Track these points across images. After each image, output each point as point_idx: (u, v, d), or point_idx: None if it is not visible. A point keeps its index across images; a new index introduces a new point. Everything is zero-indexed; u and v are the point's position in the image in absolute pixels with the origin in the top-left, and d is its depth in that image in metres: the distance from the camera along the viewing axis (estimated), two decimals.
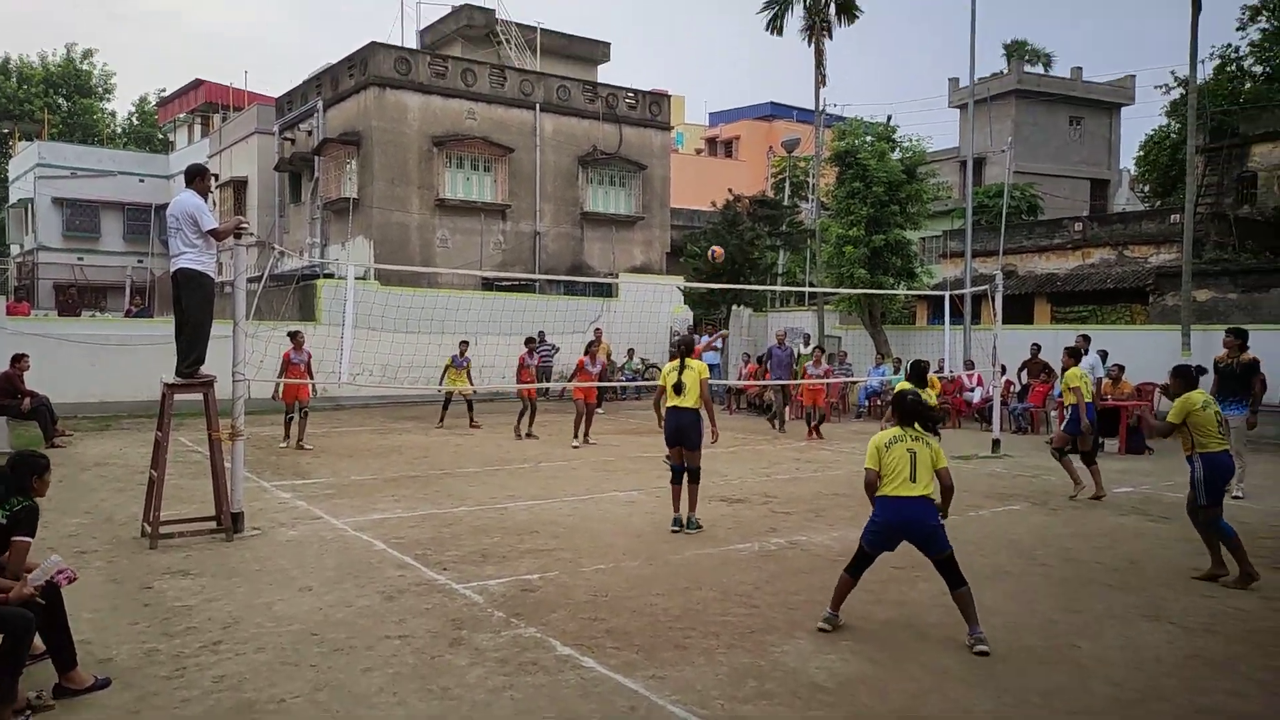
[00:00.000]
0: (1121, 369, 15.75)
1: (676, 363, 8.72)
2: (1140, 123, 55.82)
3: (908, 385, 9.24)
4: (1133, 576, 7.10)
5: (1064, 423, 10.95)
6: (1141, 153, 36.14)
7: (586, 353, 15.93)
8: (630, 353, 24.39)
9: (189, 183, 7.83)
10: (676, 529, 8.45)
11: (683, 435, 8.56)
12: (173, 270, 7.82)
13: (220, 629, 5.64)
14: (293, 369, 13.99)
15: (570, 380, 15.83)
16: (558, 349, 23.52)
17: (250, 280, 25.91)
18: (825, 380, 17.33)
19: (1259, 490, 10.73)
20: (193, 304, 7.78)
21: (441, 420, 17.35)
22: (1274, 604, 6.43)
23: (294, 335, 14.29)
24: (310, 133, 28.29)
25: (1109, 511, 9.81)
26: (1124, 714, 4.49)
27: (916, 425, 5.71)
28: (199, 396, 8.17)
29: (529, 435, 15.63)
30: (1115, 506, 10.06)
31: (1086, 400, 10.61)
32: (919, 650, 5.36)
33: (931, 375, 18.91)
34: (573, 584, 6.71)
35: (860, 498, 10.30)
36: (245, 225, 8.14)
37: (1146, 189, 37.26)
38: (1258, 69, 34.02)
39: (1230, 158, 27.91)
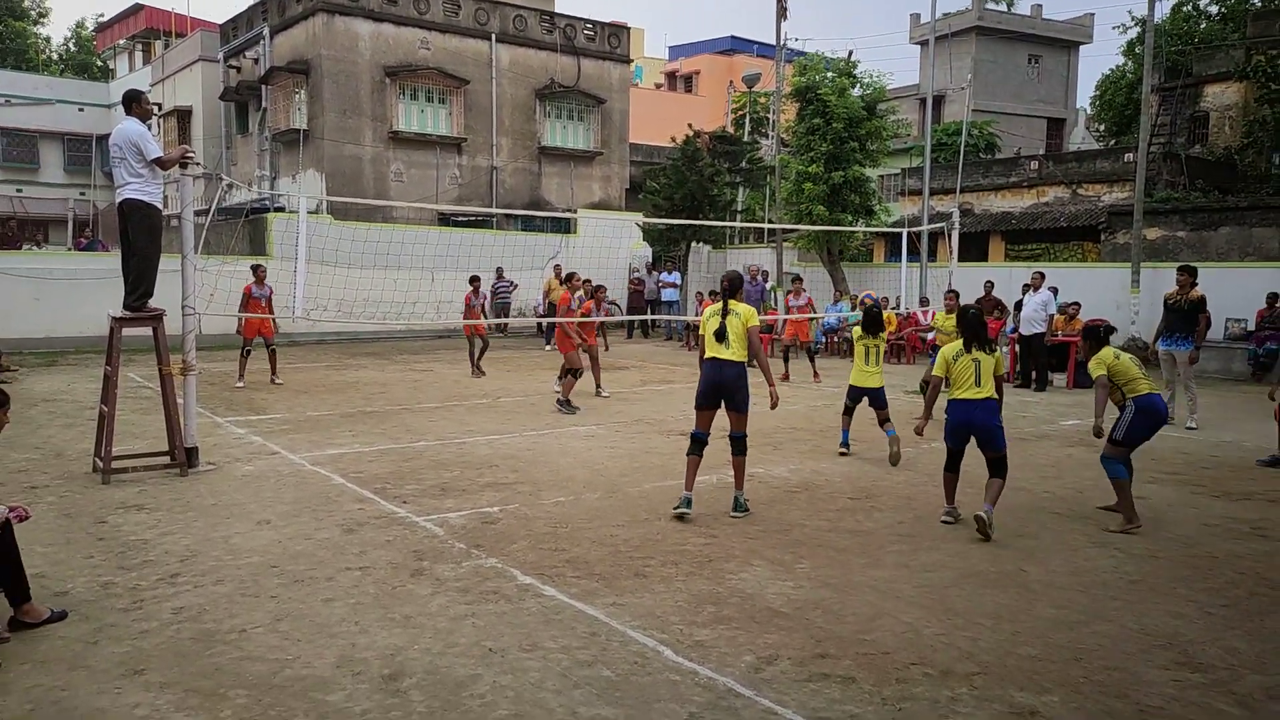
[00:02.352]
0: (1078, 306, 16.00)
1: (719, 305, 6.88)
2: (1098, 61, 55.99)
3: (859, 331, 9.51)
4: (1079, 505, 7.30)
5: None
6: (1098, 92, 36.28)
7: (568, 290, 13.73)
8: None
9: (127, 109, 7.54)
10: (685, 511, 6.71)
11: (725, 392, 6.74)
12: (118, 201, 7.57)
13: (178, 562, 5.60)
14: (254, 303, 13.64)
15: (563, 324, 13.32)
16: (516, 285, 23.34)
17: (198, 213, 25.23)
18: (807, 316, 16.89)
19: (1204, 422, 11.04)
20: (139, 236, 7.55)
21: (477, 367, 15.55)
22: (1214, 530, 6.67)
23: (256, 269, 13.95)
24: (257, 61, 27.40)
25: (1056, 443, 10.06)
26: (1068, 634, 4.65)
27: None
28: (149, 331, 7.99)
29: (479, 370, 15.46)
30: (1063, 438, 10.31)
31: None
32: (874, 576, 5.49)
33: (888, 313, 19.15)
34: (533, 516, 6.74)
35: (817, 429, 10.48)
36: (192, 154, 7.87)
37: (1102, 128, 37.52)
38: (1213, 9, 34.18)
39: (1184, 98, 28.17)
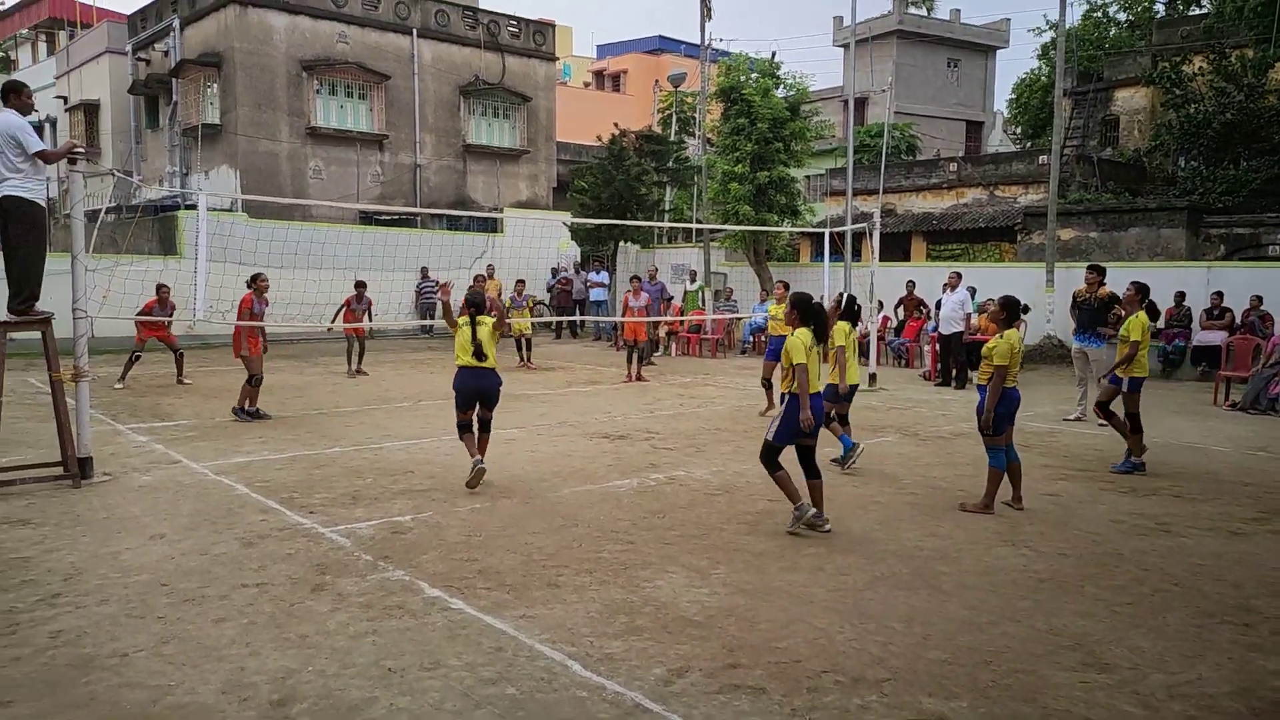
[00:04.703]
0: (993, 303, 16.30)
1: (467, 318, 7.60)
2: (1015, 64, 57.56)
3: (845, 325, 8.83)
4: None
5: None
6: (1014, 95, 37.24)
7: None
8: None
9: (4, 101, 7.12)
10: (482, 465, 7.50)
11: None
12: None
13: (60, 581, 5.27)
14: (151, 309, 13.18)
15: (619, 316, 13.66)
16: (441, 284, 22.93)
17: (108, 211, 24.15)
18: (646, 319, 16.28)
19: None
20: (19, 235, 7.12)
21: (358, 370, 15.63)
22: (1122, 526, 6.78)
23: (160, 289, 13.55)
24: (167, 53, 26.47)
25: (974, 441, 10.15)
26: (977, 636, 4.65)
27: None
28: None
29: (359, 372, 15.41)
30: (980, 437, 10.42)
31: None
32: (789, 581, 5.43)
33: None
34: (446, 524, 6.54)
35: (740, 430, 10.44)
36: (80, 149, 7.46)
37: (1018, 130, 38.52)
38: (1121, 16, 35.36)
39: (1095, 101, 29.05)
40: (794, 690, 4.02)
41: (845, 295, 9.46)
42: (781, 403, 6.56)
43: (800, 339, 6.34)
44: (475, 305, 7.71)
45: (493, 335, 7.66)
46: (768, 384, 11.61)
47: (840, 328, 8.68)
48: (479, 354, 7.51)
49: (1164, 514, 7.15)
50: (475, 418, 7.75)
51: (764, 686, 4.05)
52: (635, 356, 15.37)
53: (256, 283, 11.13)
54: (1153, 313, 9.07)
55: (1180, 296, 16.64)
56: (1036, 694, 4.03)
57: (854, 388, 8.82)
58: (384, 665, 4.21)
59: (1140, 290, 8.93)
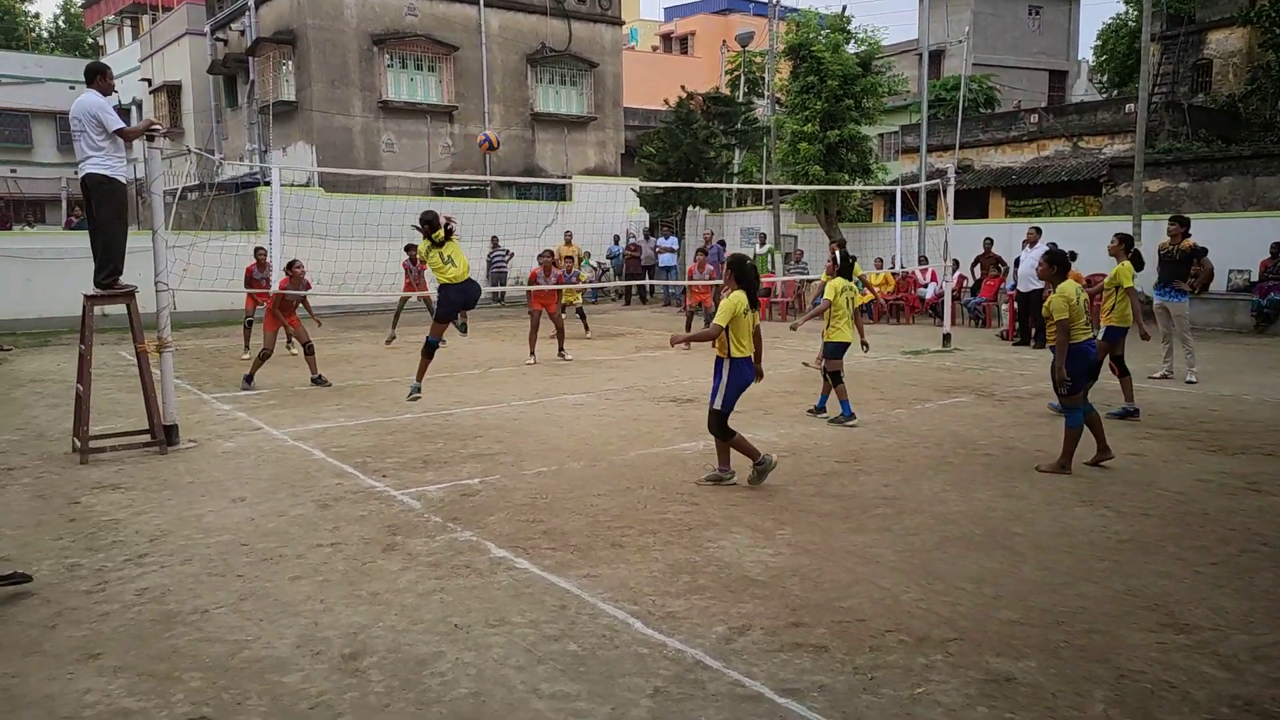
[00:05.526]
0: (1075, 255, 15.72)
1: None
2: (1101, 9, 54.92)
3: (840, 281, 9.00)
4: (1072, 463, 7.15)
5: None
6: (1100, 42, 35.61)
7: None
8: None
9: (89, 82, 7.36)
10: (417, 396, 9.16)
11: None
12: (80, 176, 7.40)
13: (147, 542, 5.51)
14: (256, 285, 13.31)
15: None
16: (512, 254, 23.14)
17: (189, 189, 24.99)
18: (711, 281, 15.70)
19: (1203, 375, 10.87)
20: (103, 211, 7.39)
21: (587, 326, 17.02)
22: (1209, 486, 6.52)
23: (258, 251, 13.90)
24: (243, 32, 27.05)
25: (1052, 400, 9.88)
26: (1051, 597, 4.53)
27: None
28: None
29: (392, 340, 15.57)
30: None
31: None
32: (855, 542, 5.37)
33: (885, 273, 18.87)
34: (513, 487, 6.63)
35: (810, 393, 10.32)
36: (157, 126, 7.68)
37: (1104, 79, 36.87)
38: None
39: (1186, 45, 27.61)
40: (856, 649, 3.98)
41: (840, 252, 9.36)
42: (717, 369, 6.54)
43: (733, 301, 6.31)
44: (429, 224, 8.63)
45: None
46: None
47: (833, 284, 8.85)
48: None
49: (1254, 473, 6.85)
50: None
51: (826, 645, 4.02)
52: (546, 319, 13.95)
53: (293, 269, 11.34)
54: (1138, 263, 9.14)
55: (1277, 248, 15.83)
56: (1110, 654, 3.91)
57: (842, 346, 8.85)
58: (451, 622, 4.30)
59: (1123, 241, 9.29)
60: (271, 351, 11.35)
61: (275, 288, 10.92)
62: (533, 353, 13.28)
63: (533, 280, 13.50)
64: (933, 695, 3.58)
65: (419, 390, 8.95)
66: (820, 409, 9.14)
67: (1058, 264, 6.97)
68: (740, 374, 6.50)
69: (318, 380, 11.19)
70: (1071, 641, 4.04)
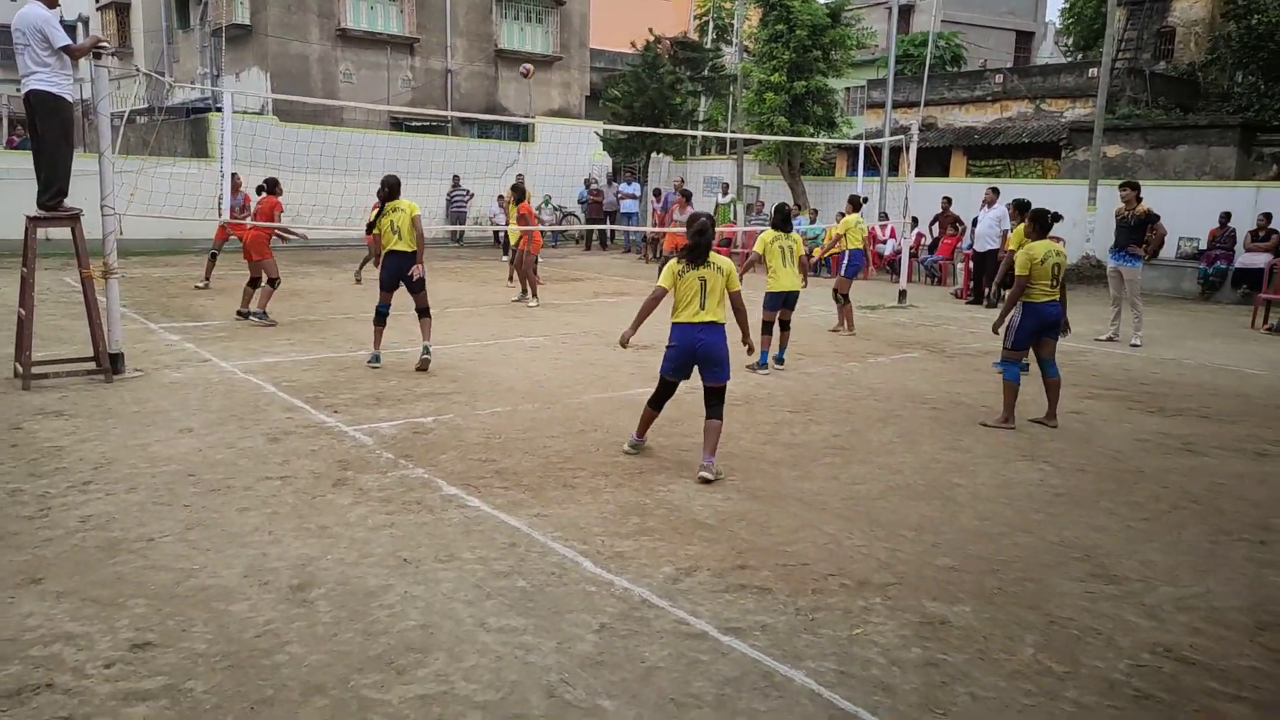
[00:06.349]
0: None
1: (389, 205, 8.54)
2: None
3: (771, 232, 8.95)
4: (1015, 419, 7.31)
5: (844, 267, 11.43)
6: (1067, 5, 35.64)
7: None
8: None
9: None
10: (376, 365, 8.67)
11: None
12: (23, 93, 7.11)
13: (91, 469, 5.43)
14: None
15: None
16: (472, 194, 22.81)
17: (137, 113, 24.09)
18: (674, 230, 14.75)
19: (1148, 340, 11.13)
20: (47, 130, 7.13)
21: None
22: (1145, 445, 6.73)
23: (233, 176, 13.37)
24: None
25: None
26: (987, 546, 4.67)
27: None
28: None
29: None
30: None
31: (854, 247, 11.37)
32: (802, 489, 5.47)
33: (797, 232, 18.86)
34: (466, 426, 6.63)
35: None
36: (105, 44, 7.40)
37: (1070, 42, 36.98)
38: None
39: (1151, 12, 27.75)
40: (799, 591, 4.08)
41: (778, 205, 9.34)
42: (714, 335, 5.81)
43: (673, 267, 5.78)
44: (390, 186, 8.50)
45: (411, 225, 8.49)
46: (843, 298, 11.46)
47: (763, 237, 8.93)
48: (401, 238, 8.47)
49: (1190, 434, 7.08)
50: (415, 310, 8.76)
51: (770, 587, 4.11)
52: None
53: (276, 189, 11.06)
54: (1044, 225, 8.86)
55: (1225, 217, 16.18)
56: (1041, 601, 4.05)
57: (788, 295, 8.98)
58: (400, 556, 4.32)
59: (1020, 208, 10.12)
60: (279, 277, 11.05)
61: (253, 219, 10.63)
62: (535, 294, 13.40)
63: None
64: (870, 636, 3.69)
65: (378, 359, 8.65)
66: (779, 360, 9.22)
67: (1037, 222, 7.14)
68: (1028, 315, 6.89)
69: (244, 314, 10.91)
70: (1005, 588, 4.17)
